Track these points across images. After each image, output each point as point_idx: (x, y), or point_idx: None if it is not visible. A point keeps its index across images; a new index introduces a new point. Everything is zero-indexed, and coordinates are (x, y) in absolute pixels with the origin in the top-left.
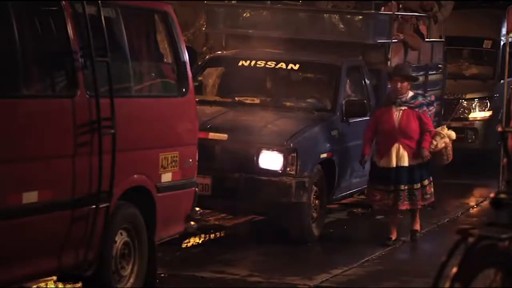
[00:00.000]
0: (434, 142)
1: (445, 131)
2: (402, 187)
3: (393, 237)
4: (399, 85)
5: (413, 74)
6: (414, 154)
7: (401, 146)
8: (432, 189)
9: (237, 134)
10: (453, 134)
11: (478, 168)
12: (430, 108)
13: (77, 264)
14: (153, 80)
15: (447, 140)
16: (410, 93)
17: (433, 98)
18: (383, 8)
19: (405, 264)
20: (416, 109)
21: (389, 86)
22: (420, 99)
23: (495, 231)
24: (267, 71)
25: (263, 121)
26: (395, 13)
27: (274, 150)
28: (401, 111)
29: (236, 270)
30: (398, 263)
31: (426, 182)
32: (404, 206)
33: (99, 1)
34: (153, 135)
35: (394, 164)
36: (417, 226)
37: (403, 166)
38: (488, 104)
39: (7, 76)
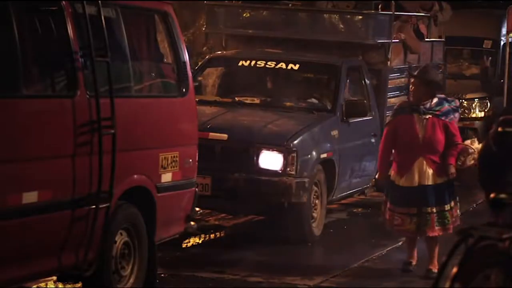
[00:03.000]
0: (462, 158)
1: (475, 145)
2: (429, 209)
3: (414, 261)
4: (415, 88)
5: (438, 79)
6: (440, 170)
7: (425, 162)
8: (458, 211)
9: (237, 134)
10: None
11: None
12: (456, 115)
13: (77, 264)
14: (153, 80)
15: (476, 156)
16: (435, 99)
17: (457, 103)
18: (380, 5)
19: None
20: (443, 117)
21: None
22: (447, 105)
23: (495, 231)
24: (267, 71)
25: (263, 121)
26: (395, 13)
27: (274, 150)
28: (425, 120)
29: (236, 270)
30: (398, 263)
31: (453, 203)
32: (435, 232)
33: (99, 1)
34: (153, 135)
35: (416, 182)
36: (435, 264)
37: (428, 185)
38: (488, 104)
39: (7, 76)
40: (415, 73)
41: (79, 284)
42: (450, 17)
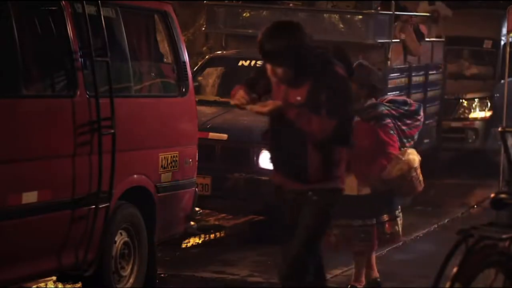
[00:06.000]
0: (389, 168)
1: (406, 155)
2: (345, 222)
3: (358, 285)
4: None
5: (369, 81)
6: (365, 180)
7: (350, 169)
8: (396, 227)
9: (237, 134)
10: (414, 161)
11: (478, 168)
12: (408, 122)
13: (77, 264)
14: (153, 80)
15: (404, 167)
16: (369, 101)
17: (414, 106)
18: (379, 8)
19: (405, 264)
20: (372, 122)
21: None
22: (382, 108)
23: (495, 231)
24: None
25: (263, 121)
26: (395, 13)
27: None
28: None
29: (236, 270)
30: (398, 263)
31: (385, 217)
32: (353, 247)
33: (99, 1)
34: (153, 135)
35: None
36: (361, 282)
37: (350, 195)
38: (488, 104)
39: (7, 76)
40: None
41: (79, 284)
42: (451, 12)
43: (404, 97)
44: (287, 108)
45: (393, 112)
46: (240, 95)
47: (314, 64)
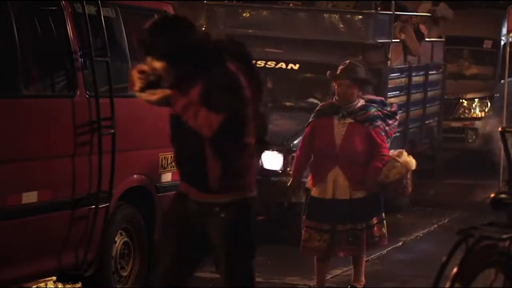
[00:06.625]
0: (386, 172)
1: (403, 158)
2: (341, 227)
3: (358, 285)
4: (346, 90)
5: (366, 77)
6: (358, 184)
7: (341, 172)
8: (383, 229)
9: None
10: (412, 163)
11: (478, 168)
12: (390, 122)
13: (77, 264)
14: None
15: (402, 170)
16: (360, 102)
17: (394, 107)
18: (379, 8)
19: (405, 264)
20: (366, 124)
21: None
22: (373, 110)
23: (495, 231)
24: (267, 71)
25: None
26: (395, 13)
27: (274, 150)
28: (345, 125)
29: None
30: (398, 263)
31: (374, 220)
32: (343, 252)
33: (99, 1)
34: (153, 135)
35: (330, 195)
36: (361, 282)
37: (342, 199)
38: (489, 104)
39: (7, 76)
40: (340, 73)
41: (79, 284)
42: (452, 14)
43: (380, 97)
44: (176, 98)
45: (380, 113)
46: (134, 76)
47: (206, 64)
